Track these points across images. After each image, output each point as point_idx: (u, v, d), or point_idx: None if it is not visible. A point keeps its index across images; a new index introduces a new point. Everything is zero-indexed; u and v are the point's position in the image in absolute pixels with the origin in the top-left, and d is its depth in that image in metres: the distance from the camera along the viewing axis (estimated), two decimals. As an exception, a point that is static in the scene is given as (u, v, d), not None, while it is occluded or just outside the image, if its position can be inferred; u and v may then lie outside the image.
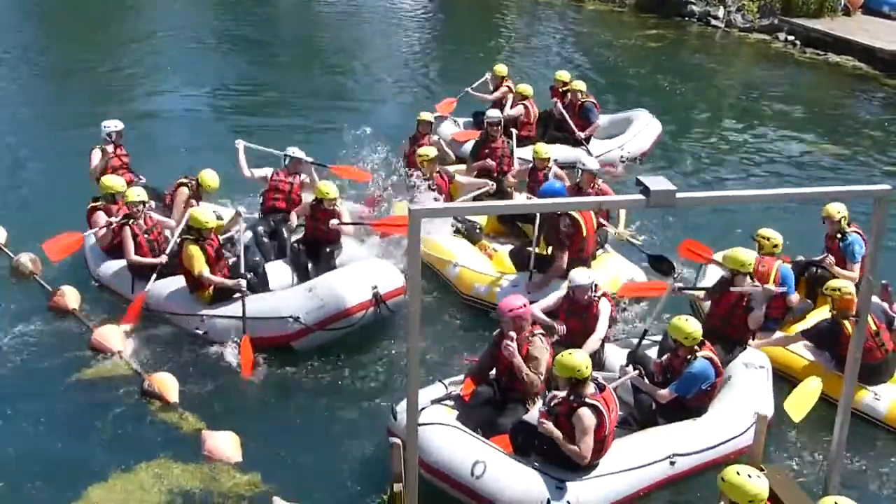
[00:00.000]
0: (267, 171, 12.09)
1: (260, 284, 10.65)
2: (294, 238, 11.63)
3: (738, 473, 6.27)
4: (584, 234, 10.67)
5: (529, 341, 8.46)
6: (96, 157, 12.24)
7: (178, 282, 10.61)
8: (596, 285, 9.49)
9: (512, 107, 15.35)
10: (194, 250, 10.19)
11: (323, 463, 8.70)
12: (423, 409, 8.06)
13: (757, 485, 6.21)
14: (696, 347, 8.54)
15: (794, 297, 10.26)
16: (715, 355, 8.65)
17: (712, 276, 10.63)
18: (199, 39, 25.25)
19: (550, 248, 10.85)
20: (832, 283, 9.61)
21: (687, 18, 28.47)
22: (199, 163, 12.43)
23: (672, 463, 8.24)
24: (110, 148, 12.25)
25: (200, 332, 10.34)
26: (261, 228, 11.68)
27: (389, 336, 10.65)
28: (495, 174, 13.31)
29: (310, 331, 10.09)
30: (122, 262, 11.02)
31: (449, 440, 7.95)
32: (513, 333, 8.39)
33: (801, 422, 8.81)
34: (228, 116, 18.85)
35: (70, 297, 10.90)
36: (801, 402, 8.77)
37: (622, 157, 15.44)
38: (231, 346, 10.10)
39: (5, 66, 21.84)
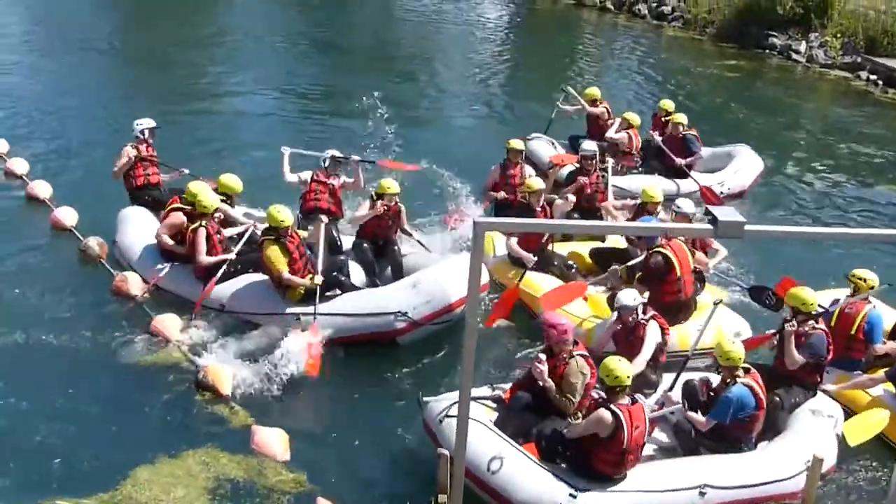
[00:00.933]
0: (307, 174, 12.09)
1: (349, 283, 10.78)
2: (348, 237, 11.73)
3: None
4: (679, 273, 10.23)
5: (566, 362, 8.38)
6: (126, 154, 12.28)
7: (258, 283, 10.65)
8: (645, 307, 9.38)
9: (616, 132, 15.13)
10: (272, 250, 10.22)
11: (370, 467, 8.72)
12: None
13: None
14: (739, 373, 8.36)
15: (880, 347, 9.78)
16: (759, 385, 8.37)
17: None
18: (275, 41, 25.91)
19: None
20: None
21: (767, 51, 28.14)
22: (248, 163, 12.56)
23: (702, 493, 8.02)
24: (143, 147, 12.36)
25: (296, 329, 10.12)
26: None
27: (449, 341, 10.63)
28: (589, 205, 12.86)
29: (417, 325, 10.29)
30: (182, 265, 11.00)
31: (473, 433, 7.76)
32: (542, 356, 8.40)
33: (859, 469, 8.59)
34: (295, 120, 19.06)
35: (132, 282, 11.05)
36: (862, 428, 8.52)
37: (721, 192, 15.01)
38: (294, 344, 9.93)
39: (81, 55, 22.36)
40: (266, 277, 10.57)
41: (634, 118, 15.24)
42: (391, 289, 10.65)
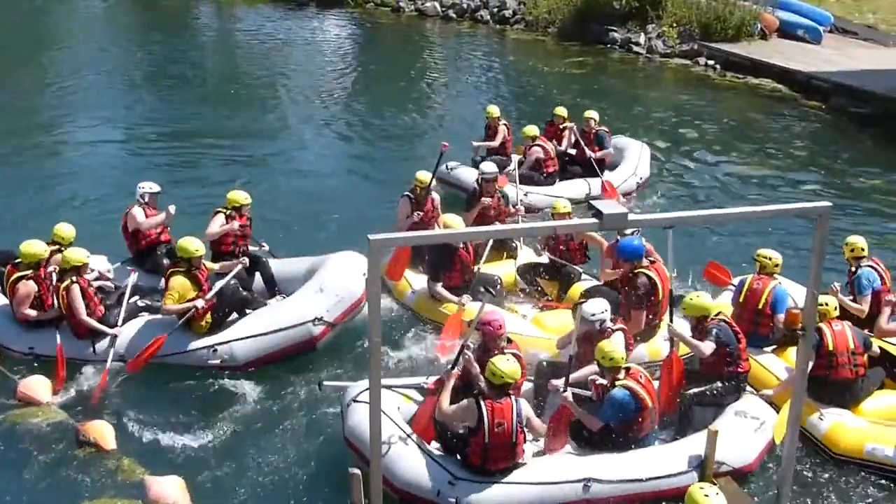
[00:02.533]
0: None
1: (257, 299, 11.05)
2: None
3: (701, 489, 6.71)
4: (661, 295, 10.32)
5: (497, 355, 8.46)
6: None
7: (157, 323, 10.41)
8: (614, 319, 9.47)
9: (528, 153, 15.20)
10: (180, 282, 10.14)
11: (278, 493, 8.51)
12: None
13: (718, 502, 6.55)
14: (620, 374, 8.50)
15: (780, 318, 10.15)
16: (640, 385, 8.44)
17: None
18: (108, 77, 24.81)
19: (625, 307, 10.39)
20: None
21: (609, 46, 28.86)
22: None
23: (587, 487, 8.15)
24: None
25: (218, 362, 10.21)
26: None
27: (341, 360, 10.61)
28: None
29: (333, 326, 10.60)
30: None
31: (366, 417, 7.79)
32: (471, 345, 8.68)
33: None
34: (128, 160, 18.14)
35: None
36: (783, 425, 8.51)
37: (638, 182, 15.51)
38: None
39: None
40: (161, 317, 10.37)
41: (533, 129, 15.37)
42: (299, 298, 10.74)
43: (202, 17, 34.47)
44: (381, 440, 6.01)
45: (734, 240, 14.32)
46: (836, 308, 9.60)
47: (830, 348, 9.28)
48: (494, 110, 16.01)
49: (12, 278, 10.37)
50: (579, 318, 9.18)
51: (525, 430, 8.21)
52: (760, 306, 10.20)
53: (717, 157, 18.97)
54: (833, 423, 9.13)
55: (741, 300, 10.35)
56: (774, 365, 9.95)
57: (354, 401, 8.70)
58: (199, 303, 10.20)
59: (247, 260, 11.26)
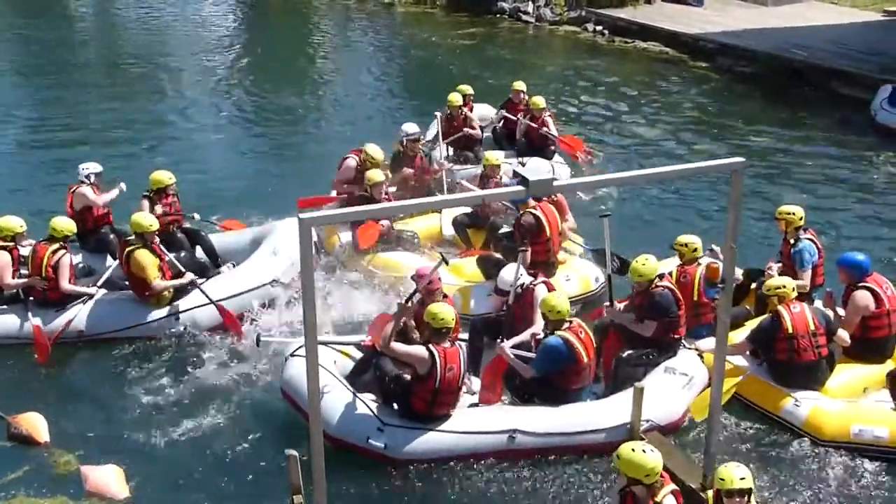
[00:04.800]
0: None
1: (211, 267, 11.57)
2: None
3: (632, 450, 6.56)
4: (549, 234, 10.80)
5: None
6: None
7: (118, 300, 10.72)
8: (534, 274, 9.75)
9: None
10: (145, 255, 10.40)
11: (217, 483, 8.47)
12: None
13: (652, 458, 6.50)
14: (563, 326, 8.68)
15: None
16: (577, 339, 8.63)
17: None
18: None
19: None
20: (771, 282, 9.43)
21: (498, 15, 29.17)
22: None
23: (512, 438, 8.46)
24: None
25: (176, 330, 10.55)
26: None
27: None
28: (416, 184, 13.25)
29: (287, 287, 11.11)
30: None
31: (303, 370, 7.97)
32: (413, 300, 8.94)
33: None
34: (29, 151, 17.63)
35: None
36: (706, 405, 8.47)
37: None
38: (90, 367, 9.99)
39: None
40: (123, 292, 10.74)
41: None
42: (255, 262, 11.32)
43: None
44: (319, 400, 6.13)
45: (649, 213, 14.55)
46: (794, 289, 9.29)
47: (791, 331, 9.03)
48: (466, 88, 15.58)
49: None
50: (495, 289, 9.65)
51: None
52: (696, 297, 9.85)
53: (614, 124, 19.31)
54: (811, 408, 8.93)
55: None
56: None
57: (292, 355, 9.13)
58: (93, 290, 10.66)
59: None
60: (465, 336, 9.61)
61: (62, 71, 23.67)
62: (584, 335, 8.77)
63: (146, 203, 11.50)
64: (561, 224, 11.20)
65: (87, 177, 11.74)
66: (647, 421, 8.63)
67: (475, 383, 9.23)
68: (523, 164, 14.00)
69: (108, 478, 8.35)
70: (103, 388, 9.93)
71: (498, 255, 11.24)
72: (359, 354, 9.33)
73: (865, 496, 8.39)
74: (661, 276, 9.40)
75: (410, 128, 13.56)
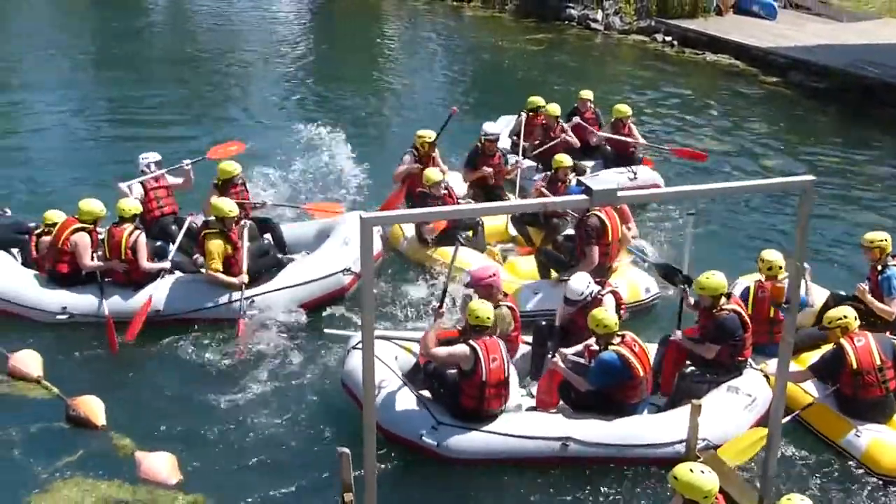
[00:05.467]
0: (136, 187, 11.88)
1: (286, 258, 11.70)
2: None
3: (691, 471, 6.45)
4: (610, 238, 10.82)
5: (499, 307, 8.94)
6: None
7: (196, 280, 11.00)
8: (602, 283, 9.71)
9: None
10: (215, 244, 10.64)
11: (268, 475, 8.53)
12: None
13: (710, 480, 6.41)
14: (614, 340, 8.61)
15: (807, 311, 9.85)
16: (631, 353, 8.57)
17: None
18: (60, 56, 24.43)
19: (579, 246, 10.91)
20: (832, 312, 9.05)
21: (566, 22, 29.00)
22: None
23: (565, 445, 8.44)
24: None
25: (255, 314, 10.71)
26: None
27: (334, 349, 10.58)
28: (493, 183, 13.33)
29: (359, 277, 10.94)
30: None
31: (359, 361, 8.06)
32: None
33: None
34: (98, 138, 18.03)
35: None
36: (739, 450, 8.45)
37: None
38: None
39: None
40: (199, 275, 11.02)
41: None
42: (327, 250, 11.52)
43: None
44: (374, 393, 6.23)
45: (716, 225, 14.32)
46: (856, 319, 8.94)
47: (855, 367, 8.69)
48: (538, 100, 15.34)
49: (70, 229, 10.70)
50: (563, 299, 9.48)
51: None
52: (772, 314, 9.64)
53: (681, 136, 19.03)
54: (871, 440, 8.69)
55: (749, 312, 9.50)
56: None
57: (353, 348, 9.22)
58: (167, 263, 10.91)
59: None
60: (529, 339, 9.67)
61: (135, 62, 24.06)
62: (638, 349, 8.69)
63: (215, 191, 11.69)
64: (621, 229, 11.14)
65: (147, 166, 11.95)
66: (704, 440, 8.49)
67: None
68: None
69: (161, 464, 8.45)
70: (162, 372, 10.10)
71: (558, 254, 11.30)
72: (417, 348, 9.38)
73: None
74: (728, 296, 9.21)
75: (490, 127, 13.70)
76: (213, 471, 8.56)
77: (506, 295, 9.47)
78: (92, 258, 10.72)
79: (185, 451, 8.70)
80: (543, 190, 12.12)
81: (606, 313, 8.77)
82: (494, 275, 9.37)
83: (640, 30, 27.84)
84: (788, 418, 8.63)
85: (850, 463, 8.76)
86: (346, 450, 7.35)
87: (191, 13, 31.59)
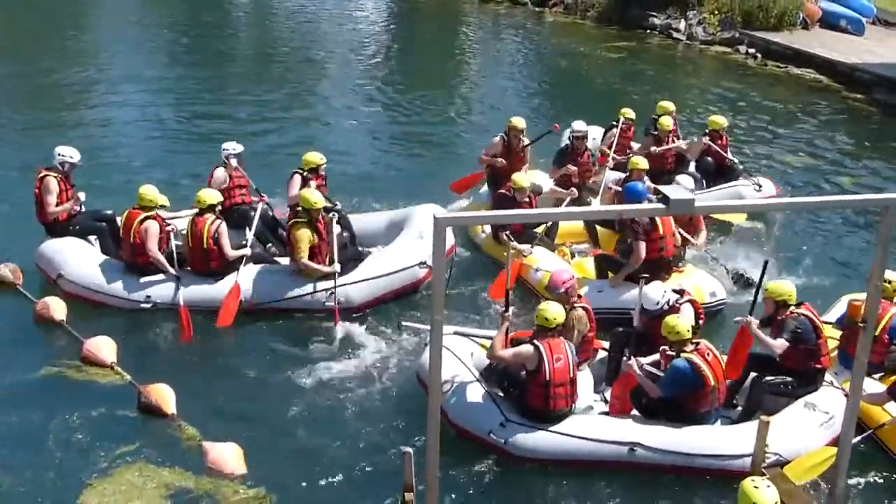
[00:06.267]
0: (220, 174, 12.13)
1: (365, 252, 11.78)
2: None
3: (755, 486, 6.48)
4: (662, 232, 10.84)
5: (567, 312, 9.01)
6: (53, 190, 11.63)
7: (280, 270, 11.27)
8: (680, 292, 9.65)
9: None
10: (302, 233, 10.77)
11: (332, 471, 8.58)
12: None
13: (769, 496, 6.41)
14: (687, 347, 8.56)
15: None
16: (704, 361, 8.50)
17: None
18: (152, 51, 25.03)
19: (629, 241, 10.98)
20: None
21: (649, 31, 28.78)
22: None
23: (632, 450, 8.41)
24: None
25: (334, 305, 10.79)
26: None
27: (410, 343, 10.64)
28: (578, 181, 13.30)
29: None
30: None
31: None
32: None
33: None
34: (185, 132, 18.34)
35: (56, 308, 10.66)
36: (806, 468, 8.32)
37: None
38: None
39: None
40: (282, 265, 11.36)
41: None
42: (403, 244, 11.68)
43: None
44: (440, 391, 6.26)
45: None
46: None
47: None
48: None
49: (137, 220, 10.88)
50: (639, 308, 9.45)
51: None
52: (877, 332, 9.13)
53: (762, 149, 18.72)
54: None
55: (849, 324, 9.40)
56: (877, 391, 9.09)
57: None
58: (247, 251, 11.11)
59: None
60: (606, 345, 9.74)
61: (216, 56, 24.63)
62: (711, 357, 8.61)
63: (298, 180, 11.86)
64: (675, 227, 11.12)
65: (227, 157, 12.17)
66: (776, 454, 8.37)
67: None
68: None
69: (228, 455, 8.55)
70: (233, 363, 10.24)
71: (612, 255, 11.36)
72: None
73: None
74: (799, 304, 9.13)
75: (579, 125, 13.73)
76: (277, 464, 8.64)
77: (580, 296, 9.51)
78: (160, 246, 10.87)
79: (252, 442, 8.78)
80: (619, 194, 12.06)
81: (679, 320, 8.72)
82: (572, 278, 9.46)
83: (723, 41, 27.53)
84: (860, 437, 8.51)
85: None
86: (410, 449, 7.41)
87: (274, 10, 31.98)
